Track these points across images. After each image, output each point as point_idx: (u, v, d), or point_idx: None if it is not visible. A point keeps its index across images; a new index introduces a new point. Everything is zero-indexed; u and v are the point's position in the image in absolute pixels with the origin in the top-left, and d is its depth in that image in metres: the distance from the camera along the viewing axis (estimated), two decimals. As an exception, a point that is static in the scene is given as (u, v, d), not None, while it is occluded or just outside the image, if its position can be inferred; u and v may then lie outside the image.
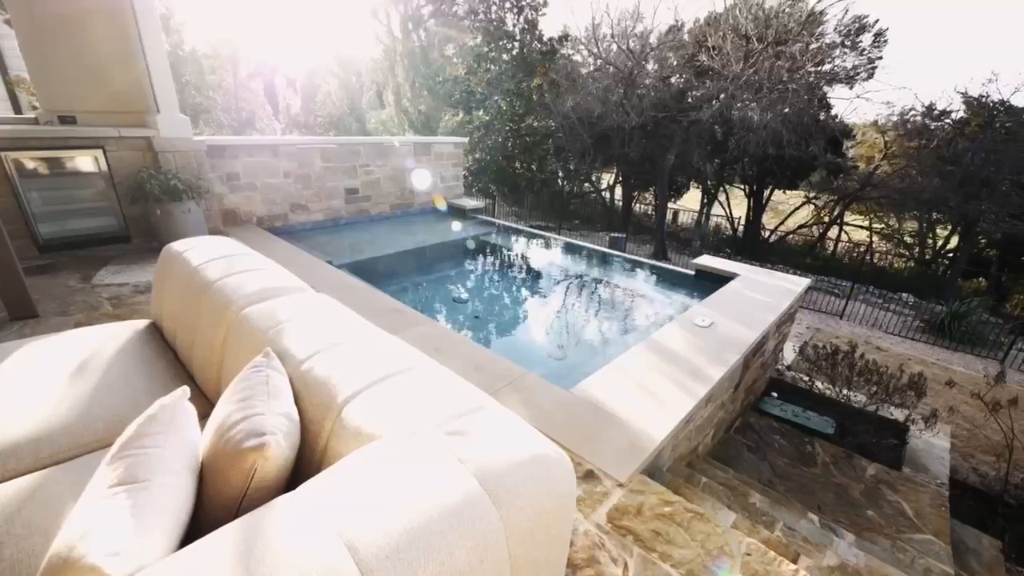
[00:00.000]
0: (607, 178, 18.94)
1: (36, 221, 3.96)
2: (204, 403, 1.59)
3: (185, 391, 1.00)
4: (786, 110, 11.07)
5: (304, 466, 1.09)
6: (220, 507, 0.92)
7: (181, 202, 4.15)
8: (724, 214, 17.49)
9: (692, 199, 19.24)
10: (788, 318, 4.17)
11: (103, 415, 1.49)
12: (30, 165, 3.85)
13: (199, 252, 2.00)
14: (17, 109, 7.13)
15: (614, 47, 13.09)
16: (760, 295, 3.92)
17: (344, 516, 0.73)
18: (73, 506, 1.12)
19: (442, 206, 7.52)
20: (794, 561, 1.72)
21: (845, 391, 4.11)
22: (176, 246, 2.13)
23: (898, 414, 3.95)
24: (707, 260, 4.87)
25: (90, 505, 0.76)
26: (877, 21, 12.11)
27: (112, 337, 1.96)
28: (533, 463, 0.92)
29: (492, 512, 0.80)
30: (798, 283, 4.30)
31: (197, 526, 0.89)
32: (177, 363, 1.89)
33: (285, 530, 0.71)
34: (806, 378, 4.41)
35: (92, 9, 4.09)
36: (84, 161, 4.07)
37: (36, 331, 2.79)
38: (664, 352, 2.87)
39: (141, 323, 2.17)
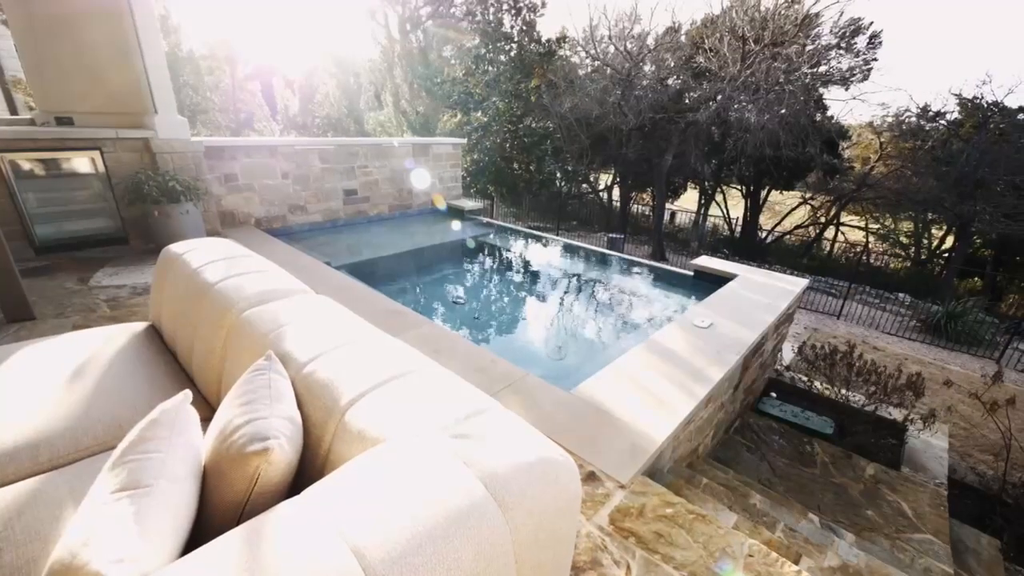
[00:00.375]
0: (605, 179, 18.96)
1: (32, 222, 3.93)
2: (205, 407, 1.58)
3: (187, 395, 0.99)
4: (783, 111, 11.11)
5: (307, 469, 1.08)
6: (223, 512, 0.91)
7: (179, 203, 4.14)
8: (721, 214, 17.54)
9: (689, 199, 19.30)
10: (787, 318, 4.18)
11: (102, 419, 1.48)
12: (26, 166, 3.83)
13: (199, 254, 1.99)
14: (13, 110, 7.10)
15: (611, 49, 13.11)
16: (759, 296, 3.93)
17: (350, 521, 0.72)
18: (73, 511, 1.12)
19: (442, 205, 7.52)
20: (796, 562, 1.72)
21: (844, 391, 4.12)
22: (175, 248, 2.12)
23: (896, 414, 3.96)
24: (706, 261, 4.88)
25: (92, 511, 0.76)
26: (871, 23, 12.19)
27: (110, 339, 1.95)
28: (539, 466, 0.91)
29: (498, 516, 0.80)
30: (796, 283, 4.31)
31: (200, 531, 0.89)
32: (176, 366, 1.88)
33: (291, 536, 0.70)
34: (805, 378, 4.42)
35: (89, 9, 4.07)
36: (81, 162, 4.05)
37: (33, 333, 2.77)
38: (664, 353, 2.87)
39: (139, 325, 2.15)
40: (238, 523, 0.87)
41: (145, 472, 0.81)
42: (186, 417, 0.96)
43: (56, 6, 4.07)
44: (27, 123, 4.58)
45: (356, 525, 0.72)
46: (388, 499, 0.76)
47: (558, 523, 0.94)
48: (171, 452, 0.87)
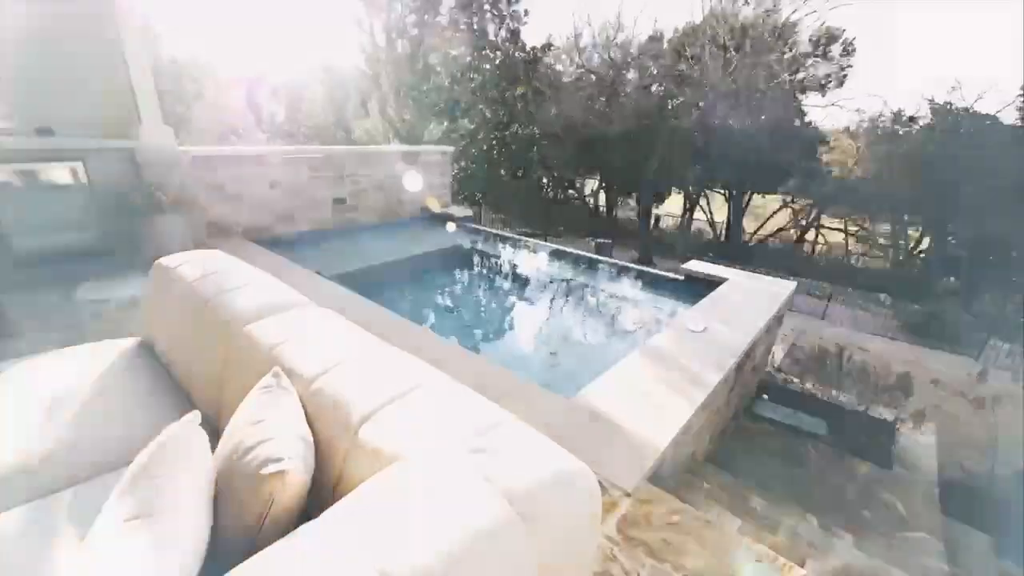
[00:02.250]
0: (590, 184, 19.12)
1: (12, 235, 3.81)
2: (205, 424, 1.54)
3: (196, 416, 0.97)
4: (763, 118, 11.38)
5: (318, 489, 1.06)
6: (237, 536, 0.88)
7: (165, 214, 4.05)
8: (705, 218, 17.80)
9: (674, 204, 19.53)
10: (777, 321, 4.24)
11: (100, 440, 1.43)
12: (4, 178, 3.71)
13: (193, 267, 1.95)
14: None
15: (596, 57, 13.31)
16: (749, 299, 3.99)
17: (375, 544, 0.71)
18: (74, 539, 1.07)
19: (435, 207, 7.50)
20: (801, 565, 1.74)
21: (834, 392, 4.19)
22: (168, 261, 2.07)
23: (886, 413, 4.04)
24: (696, 265, 4.93)
25: (106, 540, 0.73)
26: (844, 31, 12.59)
27: (101, 357, 1.89)
28: (559, 479, 0.91)
29: (523, 532, 0.79)
30: (785, 286, 4.38)
31: (212, 552, 0.86)
32: (171, 382, 1.82)
33: (316, 561, 0.69)
34: (796, 380, 4.48)
35: (71, 17, 3.98)
36: (63, 174, 3.94)
37: (15, 351, 2.67)
38: (661, 359, 2.89)
39: (130, 341, 2.09)
40: (254, 546, 0.85)
41: (157, 498, 0.79)
42: (196, 440, 0.93)
43: (37, 13, 3.97)
44: (5, 133, 4.44)
45: (382, 548, 0.70)
46: (413, 520, 0.75)
47: (579, 535, 0.94)
48: (183, 477, 0.85)
